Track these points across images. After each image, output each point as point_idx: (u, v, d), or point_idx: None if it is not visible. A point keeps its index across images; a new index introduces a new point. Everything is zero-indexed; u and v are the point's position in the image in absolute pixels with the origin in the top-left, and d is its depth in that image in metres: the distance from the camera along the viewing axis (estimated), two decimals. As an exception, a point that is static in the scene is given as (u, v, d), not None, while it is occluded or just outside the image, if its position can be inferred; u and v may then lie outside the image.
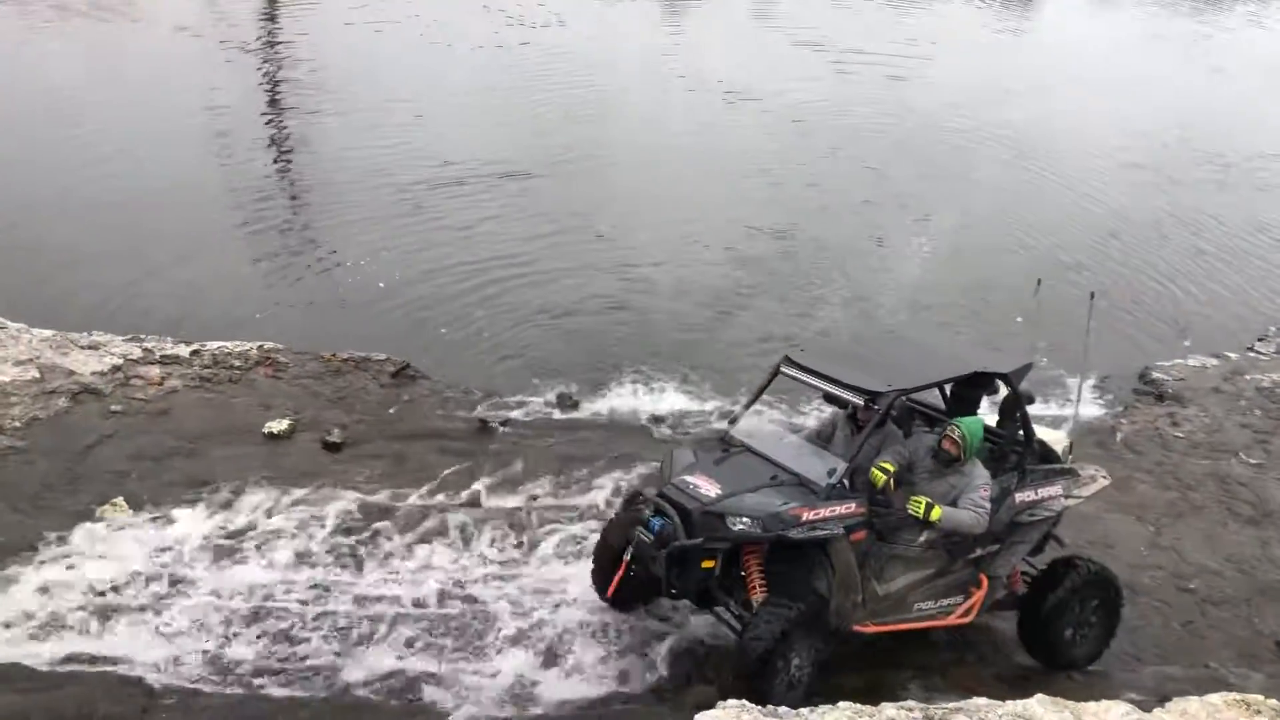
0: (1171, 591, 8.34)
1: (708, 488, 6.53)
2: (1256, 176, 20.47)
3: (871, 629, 6.79)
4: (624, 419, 10.36)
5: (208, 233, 14.07)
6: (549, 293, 13.14)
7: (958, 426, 6.80)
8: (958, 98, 23.42)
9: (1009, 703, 3.85)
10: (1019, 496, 7.11)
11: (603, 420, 10.36)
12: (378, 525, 8.19)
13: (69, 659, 6.32)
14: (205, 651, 6.54)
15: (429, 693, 6.39)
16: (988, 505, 6.77)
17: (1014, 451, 7.31)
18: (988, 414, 7.60)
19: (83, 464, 8.60)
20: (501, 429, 9.92)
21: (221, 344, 10.66)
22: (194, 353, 10.42)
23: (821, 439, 7.26)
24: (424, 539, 8.12)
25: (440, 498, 8.69)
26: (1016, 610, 7.46)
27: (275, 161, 17.67)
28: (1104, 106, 24.22)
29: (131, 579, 7.26)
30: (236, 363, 10.40)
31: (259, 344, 10.78)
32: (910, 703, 3.69)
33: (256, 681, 6.32)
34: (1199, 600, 8.29)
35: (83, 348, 10.21)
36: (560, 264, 13.99)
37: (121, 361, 10.05)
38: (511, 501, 8.78)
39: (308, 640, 6.78)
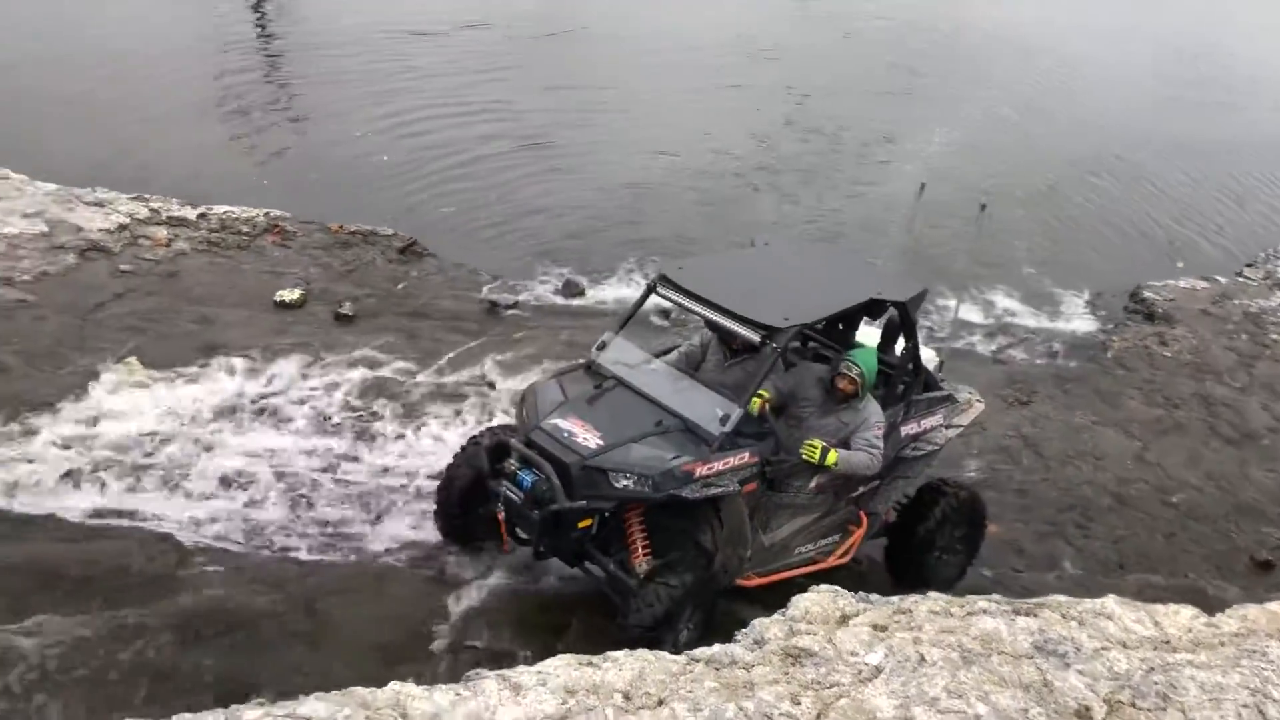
0: (1156, 505, 8.64)
1: (585, 436, 5.73)
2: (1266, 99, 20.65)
3: (755, 582, 6.24)
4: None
5: (210, 95, 13.90)
6: (556, 178, 13.13)
7: (855, 364, 6.23)
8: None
9: (1086, 600, 4.02)
10: (904, 430, 6.74)
11: (608, 308, 10.42)
12: (391, 398, 8.27)
13: (99, 513, 6.43)
14: (231, 512, 6.66)
15: (449, 562, 6.54)
16: (882, 444, 6.32)
17: (901, 382, 6.84)
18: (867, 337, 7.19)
19: (94, 321, 8.60)
20: (509, 312, 9.99)
21: (228, 208, 10.59)
22: (200, 215, 10.35)
23: (690, 363, 6.63)
24: (437, 414, 8.21)
25: (452, 375, 8.77)
26: (884, 538, 7.10)
27: (278, 26, 17.35)
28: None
29: (150, 438, 7.35)
30: (244, 228, 10.35)
31: (265, 211, 10.74)
32: (996, 596, 3.85)
33: (283, 543, 6.47)
34: (1180, 514, 8.59)
35: (88, 204, 10.12)
36: (571, 149, 13.92)
37: (128, 220, 9.98)
38: (521, 382, 8.88)
39: (330, 507, 6.92)
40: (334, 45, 17.01)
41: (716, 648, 3.43)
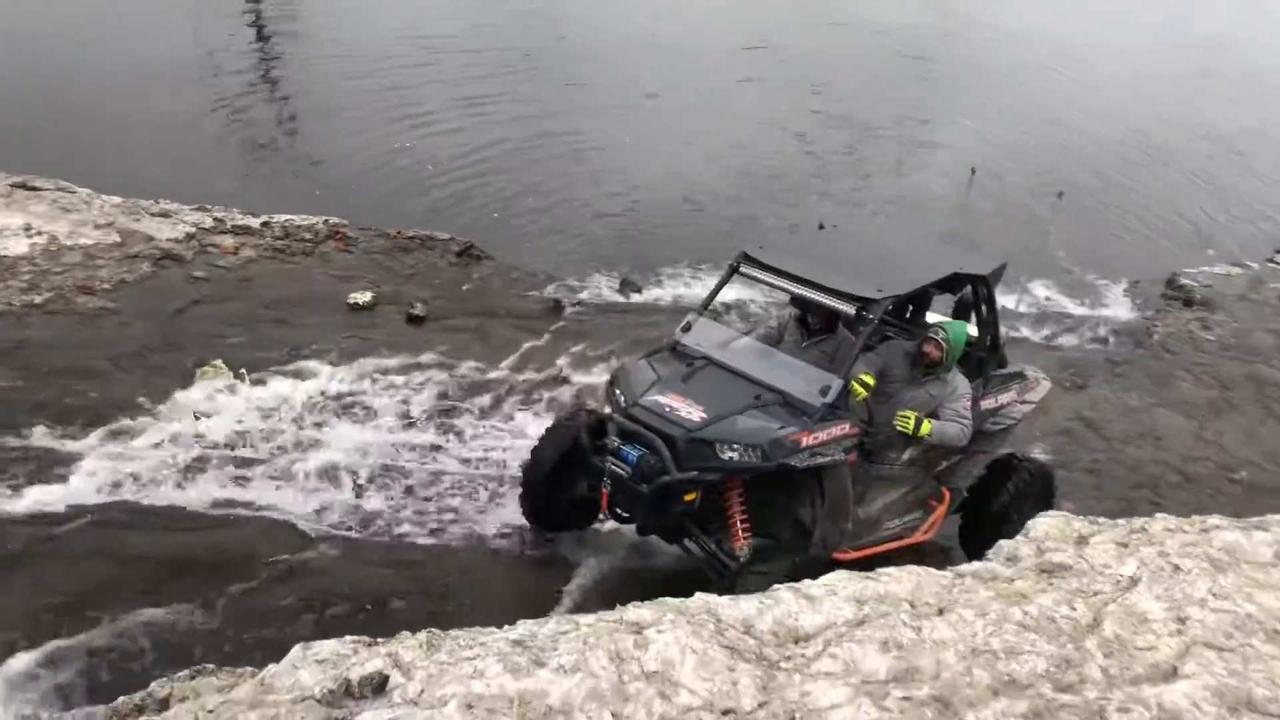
0: (1222, 481, 8.83)
1: (689, 410, 5.75)
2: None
3: (850, 555, 6.16)
4: (688, 305, 10.54)
5: (226, 109, 14.21)
6: (599, 179, 13.36)
7: (943, 329, 6.35)
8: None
9: (1195, 517, 4.21)
10: (983, 404, 6.78)
11: (666, 305, 10.63)
12: (472, 393, 8.45)
13: (217, 504, 6.58)
14: (342, 502, 6.82)
15: (560, 545, 6.70)
16: (970, 416, 6.41)
17: (979, 358, 6.94)
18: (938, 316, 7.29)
19: (175, 326, 8.74)
20: (572, 309, 10.17)
21: (289, 217, 10.76)
22: (264, 224, 10.52)
23: (769, 345, 6.64)
24: (518, 407, 8.39)
25: (527, 372, 8.94)
26: (959, 514, 7.12)
27: (309, 41, 17.63)
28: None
29: (248, 435, 7.50)
30: (306, 235, 10.52)
31: (324, 218, 10.90)
32: (1161, 514, 4.04)
33: (397, 530, 6.63)
34: (1246, 488, 8.79)
35: (153, 215, 10.28)
36: (608, 149, 14.20)
37: (195, 230, 10.14)
38: (593, 376, 9.06)
39: (434, 496, 7.08)
40: (348, 56, 17.32)
41: (978, 564, 3.63)
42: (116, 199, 10.34)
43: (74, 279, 8.93)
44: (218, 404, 7.84)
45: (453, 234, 11.15)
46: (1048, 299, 11.96)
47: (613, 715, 2.67)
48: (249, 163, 12.88)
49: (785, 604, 3.10)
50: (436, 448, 7.71)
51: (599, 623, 3.08)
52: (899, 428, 6.18)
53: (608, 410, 6.19)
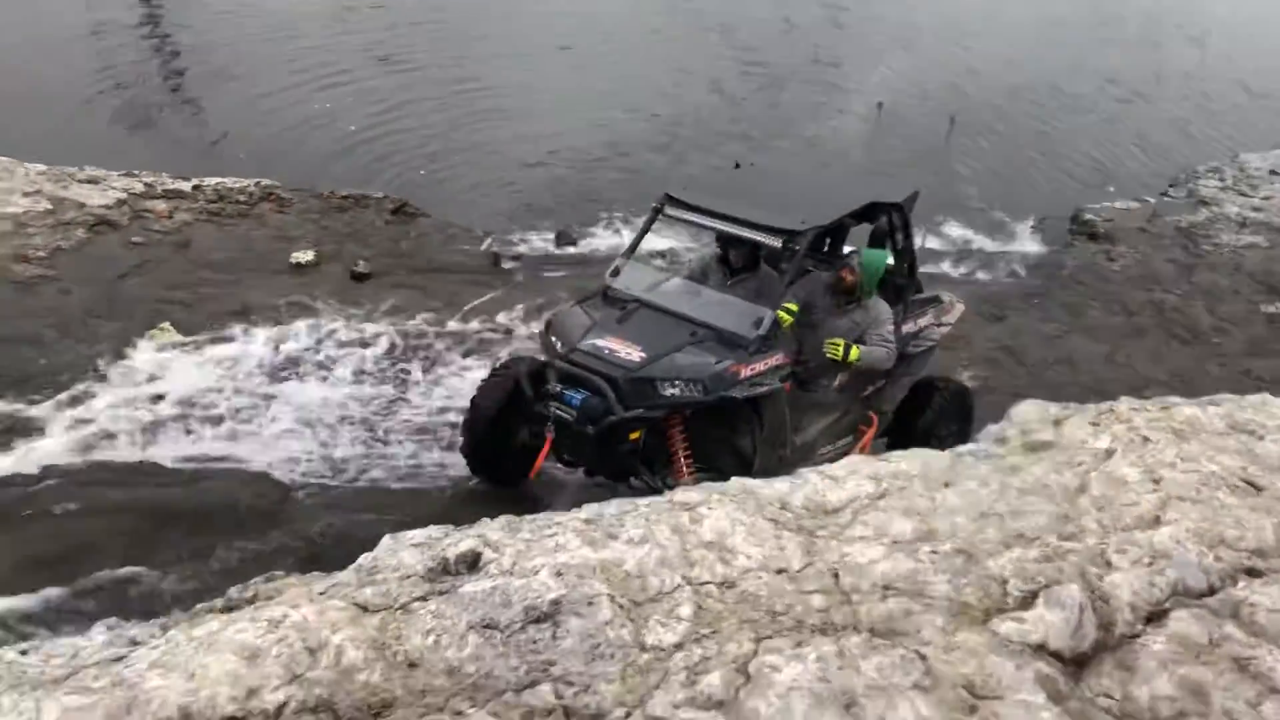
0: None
1: (627, 351, 5.90)
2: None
3: None
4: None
5: (133, 76, 14.05)
6: (522, 132, 13.50)
7: (858, 253, 6.60)
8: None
9: (1155, 398, 4.66)
10: (903, 329, 6.99)
11: (601, 255, 10.81)
12: (425, 345, 8.62)
13: (190, 459, 6.69)
14: (312, 452, 6.98)
15: (528, 486, 6.93)
16: (894, 340, 6.64)
17: (898, 284, 7.12)
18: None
19: (118, 292, 8.72)
20: (511, 263, 10.36)
21: (219, 180, 10.72)
22: (195, 188, 10.47)
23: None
24: (471, 357, 8.58)
25: (474, 323, 9.12)
26: (884, 437, 7.33)
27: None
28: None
29: (208, 393, 7.58)
30: (240, 198, 10.50)
31: (255, 180, 10.88)
32: (1125, 397, 4.49)
33: (370, 476, 6.82)
34: (1156, 405, 9.42)
35: (81, 181, 10.16)
36: (528, 105, 14.32)
37: (125, 195, 10.05)
38: (538, 326, 9.28)
39: (401, 444, 7.26)
40: (251, 15, 17.12)
41: (971, 445, 4.05)
42: (41, 166, 10.19)
43: (9, 247, 8.82)
44: (171, 365, 7.89)
45: (385, 193, 11.21)
46: (961, 237, 12.50)
47: (683, 577, 2.99)
48: (170, 128, 12.72)
49: (813, 483, 3.46)
50: (395, 400, 7.87)
51: (655, 503, 3.41)
52: (828, 355, 6.39)
53: (545, 357, 6.28)
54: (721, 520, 3.16)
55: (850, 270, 6.53)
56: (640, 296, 6.40)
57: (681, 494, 3.40)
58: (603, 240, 11.17)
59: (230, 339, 8.32)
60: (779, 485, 3.43)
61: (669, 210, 6.53)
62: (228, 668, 2.67)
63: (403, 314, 9.04)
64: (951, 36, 20.17)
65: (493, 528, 3.25)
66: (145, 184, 10.30)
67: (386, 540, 3.20)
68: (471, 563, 2.99)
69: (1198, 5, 24.52)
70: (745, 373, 5.90)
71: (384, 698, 2.68)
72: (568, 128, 13.82)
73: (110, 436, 6.77)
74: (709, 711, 2.62)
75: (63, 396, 7.17)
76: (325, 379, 8.01)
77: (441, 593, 2.97)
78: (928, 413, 7.20)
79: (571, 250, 10.95)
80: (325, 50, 15.75)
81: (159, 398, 7.39)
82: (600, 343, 5.98)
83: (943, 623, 2.96)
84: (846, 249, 7.71)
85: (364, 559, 3.15)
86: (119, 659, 2.78)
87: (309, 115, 13.58)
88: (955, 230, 12.62)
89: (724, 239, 6.64)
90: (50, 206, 9.47)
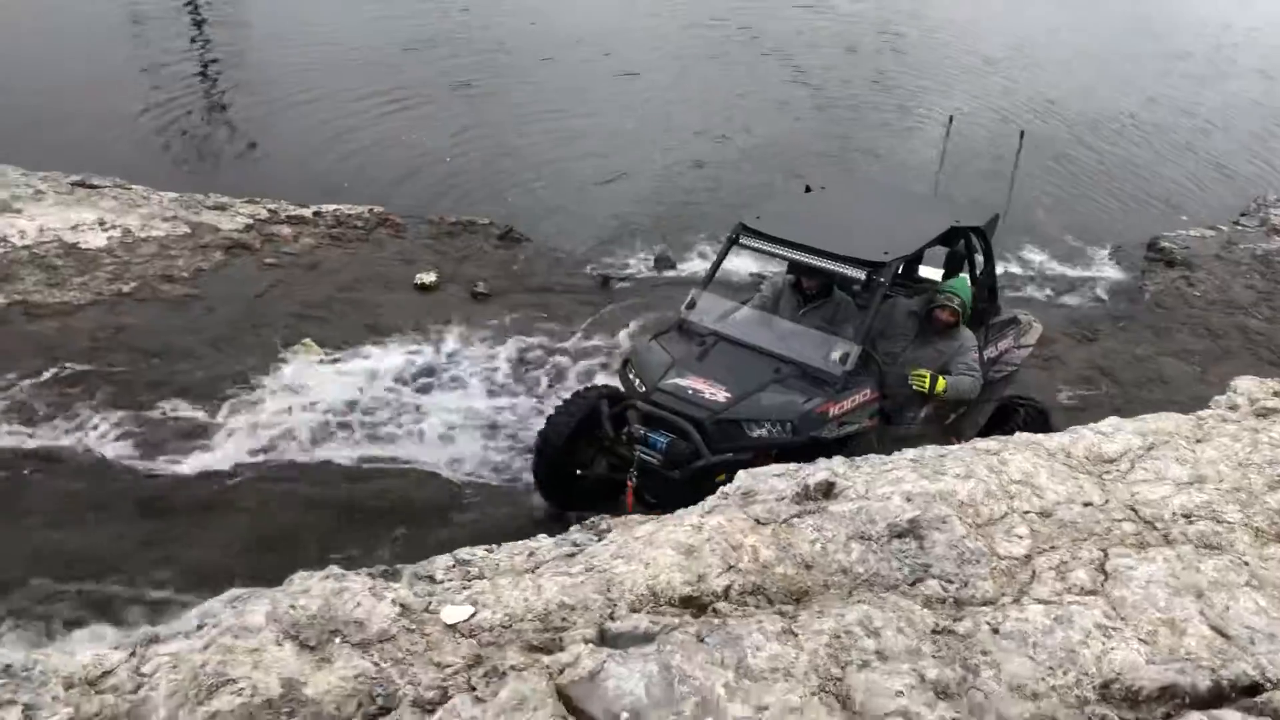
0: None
1: (712, 391, 5.75)
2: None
3: None
4: (728, 277, 11.19)
5: (252, 108, 14.59)
6: (602, 157, 14.04)
7: (955, 294, 6.46)
8: None
9: None
10: (986, 353, 6.88)
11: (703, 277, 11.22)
12: (548, 360, 9.02)
13: (363, 460, 7.10)
14: (473, 454, 7.38)
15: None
16: (979, 368, 6.50)
17: (980, 309, 7.03)
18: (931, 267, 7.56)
19: (258, 309, 9.18)
20: (619, 285, 10.77)
21: (336, 206, 11.21)
22: (315, 214, 10.96)
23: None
24: (592, 371, 8.97)
25: (593, 340, 9.52)
26: None
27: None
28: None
29: (359, 402, 7.99)
30: (358, 224, 10.98)
31: (369, 207, 11.36)
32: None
33: (528, 479, 7.18)
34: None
35: (210, 208, 10.67)
36: (615, 135, 14.82)
37: (252, 221, 10.55)
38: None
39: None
40: (327, 43, 17.71)
41: (1208, 411, 4.46)
42: (173, 194, 10.73)
43: (155, 269, 9.32)
44: (317, 378, 8.32)
45: (490, 219, 11.66)
46: (1038, 261, 12.83)
47: (1008, 506, 3.40)
48: (272, 159, 13.22)
49: (1088, 437, 3.94)
50: (532, 410, 8.26)
51: (964, 447, 3.88)
52: (915, 387, 6.24)
53: (626, 394, 6.22)
54: (1025, 463, 3.64)
55: (950, 311, 6.48)
56: (717, 329, 6.33)
57: (982, 442, 3.84)
58: (700, 264, 11.54)
59: (367, 355, 8.74)
60: (1060, 438, 3.89)
61: (744, 240, 6.44)
62: (672, 559, 3.28)
63: (524, 331, 9.44)
64: (1017, 71, 20.57)
65: (836, 463, 3.70)
66: (269, 210, 10.80)
67: (743, 474, 3.68)
68: (826, 490, 3.41)
69: (1266, 39, 24.95)
70: (834, 410, 5.80)
71: (800, 586, 3.23)
72: (646, 153, 14.28)
73: (288, 438, 7.18)
74: (1086, 595, 3.17)
75: (231, 403, 7.63)
76: (464, 390, 8.42)
77: (812, 512, 3.50)
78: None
79: (670, 274, 11.33)
80: (400, 76, 16.30)
81: (314, 405, 7.80)
82: (683, 382, 5.85)
83: (1250, 540, 3.50)
84: (924, 270, 7.86)
85: (730, 486, 3.69)
86: (570, 555, 3.44)
87: (401, 146, 14.03)
88: (1032, 254, 12.94)
89: (797, 268, 6.53)
90: (189, 230, 9.98)
